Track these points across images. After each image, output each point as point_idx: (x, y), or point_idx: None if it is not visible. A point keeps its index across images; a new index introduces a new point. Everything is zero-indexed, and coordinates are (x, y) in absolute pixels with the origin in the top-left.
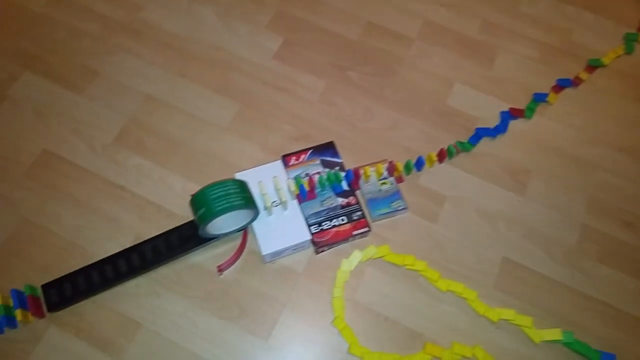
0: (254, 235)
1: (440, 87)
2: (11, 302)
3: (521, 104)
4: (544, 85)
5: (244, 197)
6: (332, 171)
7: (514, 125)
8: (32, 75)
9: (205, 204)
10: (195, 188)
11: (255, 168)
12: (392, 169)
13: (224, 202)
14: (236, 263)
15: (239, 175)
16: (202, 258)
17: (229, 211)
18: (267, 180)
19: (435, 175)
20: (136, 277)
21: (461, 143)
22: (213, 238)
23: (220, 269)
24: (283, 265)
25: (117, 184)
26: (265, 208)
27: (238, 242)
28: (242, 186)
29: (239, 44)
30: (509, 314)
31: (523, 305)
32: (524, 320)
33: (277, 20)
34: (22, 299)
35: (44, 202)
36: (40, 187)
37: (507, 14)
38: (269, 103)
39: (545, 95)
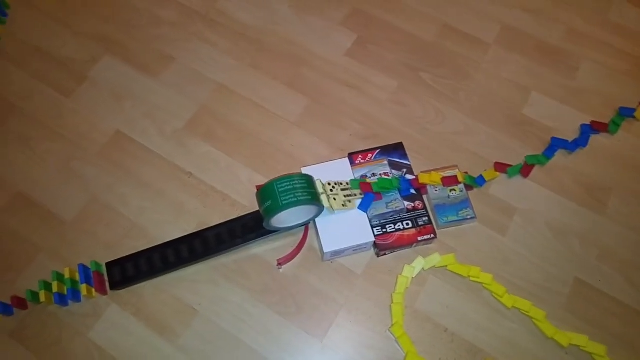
0: (316, 231)
1: (516, 94)
2: (77, 277)
3: (604, 118)
4: (631, 99)
5: (310, 193)
6: (392, 176)
7: (595, 139)
8: (112, 59)
9: (272, 196)
10: (260, 179)
11: (321, 164)
12: (452, 181)
13: (291, 196)
14: (295, 258)
15: (304, 170)
16: (262, 250)
17: (295, 205)
18: (333, 177)
19: (507, 186)
20: (196, 264)
21: (533, 157)
22: (275, 231)
23: (280, 263)
24: (342, 265)
25: (185, 170)
26: (329, 205)
27: (298, 237)
28: (309, 181)
29: (312, 38)
30: (581, 339)
31: (595, 331)
32: (598, 349)
33: (352, 17)
34: (87, 275)
35: (113, 182)
36: (110, 166)
37: (594, 22)
38: (339, 100)
39: (633, 110)
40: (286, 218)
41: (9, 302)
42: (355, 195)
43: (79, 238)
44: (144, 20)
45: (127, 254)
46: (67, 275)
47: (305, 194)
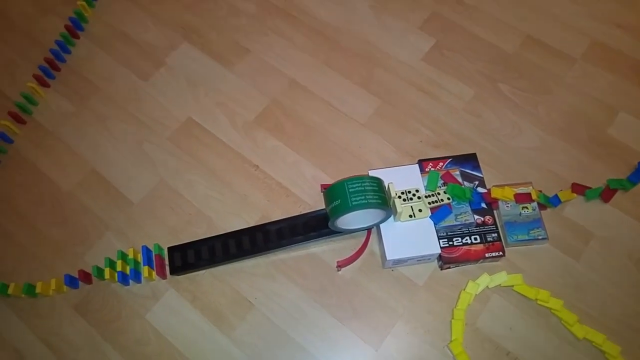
0: (379, 237)
1: (602, 113)
2: (140, 258)
3: None
4: None
5: (380, 197)
6: (464, 186)
7: None
8: (190, 46)
9: (341, 196)
10: (325, 178)
11: (389, 168)
12: (525, 198)
13: (361, 197)
14: (355, 262)
15: (372, 173)
16: (321, 250)
17: (365, 208)
18: (401, 182)
19: (584, 209)
20: (256, 257)
21: (616, 181)
22: (338, 232)
23: (340, 266)
24: (403, 274)
25: (252, 162)
26: (396, 211)
27: (360, 240)
28: (380, 185)
29: (389, 40)
30: None
31: None
32: None
33: (431, 21)
34: (149, 257)
35: (182, 168)
36: (180, 152)
37: None
38: (411, 104)
39: None
40: (352, 220)
41: (76, 275)
42: (438, 201)
43: (145, 219)
44: (223, 11)
45: (189, 240)
46: (130, 256)
47: (376, 197)
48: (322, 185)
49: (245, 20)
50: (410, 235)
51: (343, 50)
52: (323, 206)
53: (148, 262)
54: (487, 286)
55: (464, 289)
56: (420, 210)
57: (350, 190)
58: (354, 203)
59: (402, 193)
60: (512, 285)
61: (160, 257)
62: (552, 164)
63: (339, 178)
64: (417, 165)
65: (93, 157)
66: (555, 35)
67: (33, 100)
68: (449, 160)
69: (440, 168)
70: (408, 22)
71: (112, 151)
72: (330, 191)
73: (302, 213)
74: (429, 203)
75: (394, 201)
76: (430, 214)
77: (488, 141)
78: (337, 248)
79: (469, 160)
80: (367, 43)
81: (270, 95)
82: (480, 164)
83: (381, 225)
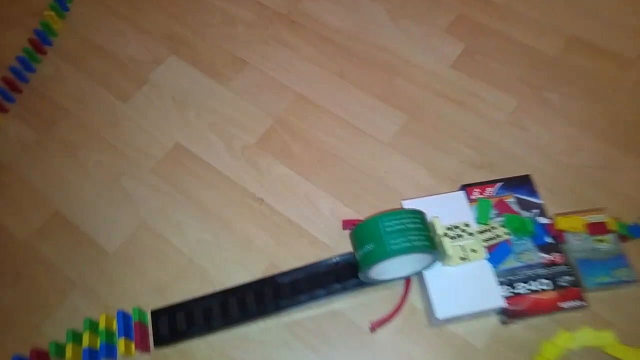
0: (422, 286)
1: None
2: (115, 327)
3: None
4: None
5: (427, 237)
6: (525, 215)
7: None
8: (177, 60)
9: (375, 238)
10: (346, 212)
11: (427, 198)
12: (600, 228)
13: (403, 239)
14: (393, 320)
15: (406, 204)
16: (348, 306)
17: (409, 253)
18: (445, 214)
19: None
20: (265, 320)
21: None
22: (370, 283)
23: (374, 327)
24: (454, 334)
25: (255, 195)
26: (445, 254)
27: (397, 290)
28: (423, 220)
29: (411, 47)
30: None
31: None
32: None
33: (458, 24)
34: (127, 325)
35: (168, 206)
36: (166, 186)
37: None
38: (443, 119)
39: None
40: (389, 268)
41: (27, 356)
42: (494, 237)
43: (122, 274)
44: (216, 19)
45: (178, 300)
46: (102, 325)
47: (421, 237)
48: (344, 222)
49: (242, 29)
50: (464, 284)
51: (358, 60)
52: (346, 247)
53: (125, 332)
54: (568, 348)
55: (539, 354)
56: (474, 251)
57: (387, 229)
58: (393, 247)
59: (449, 229)
60: (602, 346)
61: (141, 325)
62: (623, 185)
63: (363, 211)
64: (462, 192)
65: (58, 196)
66: (604, 34)
67: None
68: (499, 184)
69: (490, 195)
70: (431, 26)
71: (83, 188)
72: (359, 232)
73: (321, 260)
74: (484, 240)
75: (441, 241)
76: (486, 255)
77: (541, 160)
78: (367, 302)
79: (523, 183)
80: (386, 51)
81: (274, 114)
82: (536, 188)
83: (425, 272)
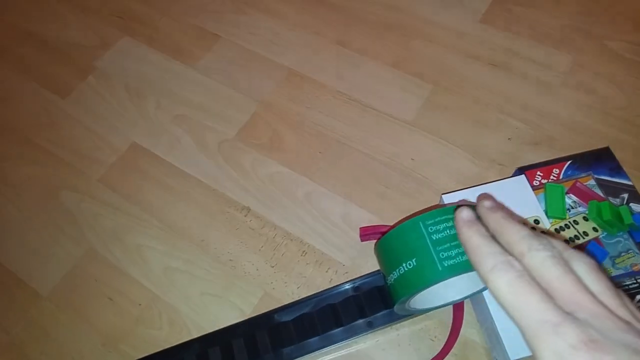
0: (483, 313)
1: None
2: None
3: None
4: None
5: None
6: (616, 204)
7: None
8: (131, 42)
9: (419, 251)
10: (366, 218)
11: (474, 188)
12: None
13: (459, 250)
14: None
15: (448, 199)
16: (374, 345)
17: (465, 271)
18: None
19: None
20: None
21: None
22: (405, 315)
23: None
24: None
25: (240, 204)
26: None
27: (443, 319)
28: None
29: (428, 1)
30: None
31: None
32: None
33: None
34: None
35: (123, 226)
36: (120, 200)
37: None
38: (479, 86)
39: None
40: (436, 292)
41: None
42: (580, 237)
43: (61, 325)
44: None
45: (139, 356)
46: None
47: None
48: (362, 231)
49: None
50: None
51: (362, 22)
52: (368, 266)
53: None
54: None
55: None
56: None
57: (434, 237)
58: (447, 263)
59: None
60: None
61: None
62: None
63: (387, 215)
64: (521, 177)
65: None
66: None
67: None
68: (567, 162)
69: (558, 178)
70: None
71: (9, 214)
72: (389, 243)
73: (334, 286)
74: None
75: None
76: None
77: (617, 127)
78: (401, 339)
79: (600, 160)
80: (396, 9)
81: (258, 96)
82: (621, 165)
83: (486, 295)
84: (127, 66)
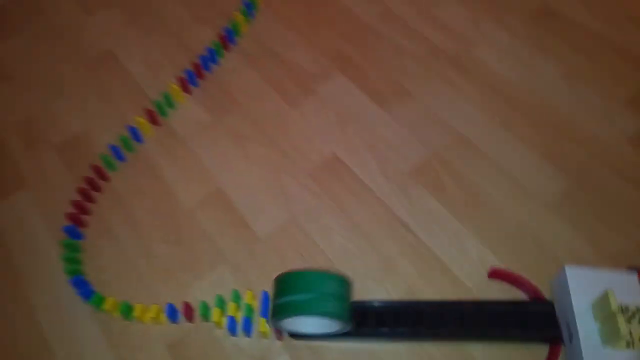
0: None
1: None
2: (257, 307)
3: None
4: None
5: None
6: None
7: None
8: (344, 79)
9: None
10: (495, 263)
11: (595, 270)
12: None
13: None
14: None
15: (570, 271)
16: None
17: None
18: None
19: None
20: (398, 342)
21: None
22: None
23: None
24: None
25: (402, 220)
26: (616, 332)
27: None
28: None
29: (584, 113)
30: None
31: None
32: None
33: (638, 100)
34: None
35: (319, 210)
36: (320, 191)
37: None
38: (616, 196)
39: None
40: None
41: (179, 307)
42: None
43: (269, 260)
44: (384, 45)
45: None
46: (246, 300)
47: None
48: (492, 270)
49: (410, 62)
50: None
51: (524, 114)
52: (487, 295)
53: (266, 313)
54: None
55: None
56: None
57: (326, 291)
58: (325, 309)
59: (622, 309)
60: None
61: None
62: None
63: (515, 267)
64: (634, 275)
65: (222, 175)
66: None
67: (172, 102)
68: None
69: None
70: (609, 97)
71: (244, 174)
72: (298, 277)
73: (471, 300)
74: None
75: (614, 315)
76: None
77: None
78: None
79: None
80: (556, 112)
81: (431, 148)
82: None
83: (584, 351)
84: (339, 97)
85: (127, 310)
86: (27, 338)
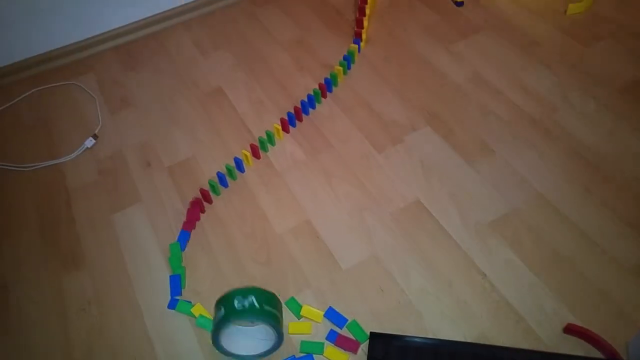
0: None
1: None
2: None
3: None
4: None
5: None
6: None
7: None
8: (431, 132)
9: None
10: (571, 319)
11: None
12: None
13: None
14: None
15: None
16: None
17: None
18: None
19: None
20: None
21: None
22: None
23: None
24: None
25: (480, 269)
26: None
27: None
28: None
29: None
30: None
31: None
32: None
33: None
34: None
35: (399, 250)
36: (401, 232)
37: None
38: None
39: None
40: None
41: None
42: None
43: (348, 290)
44: (471, 105)
45: (392, 330)
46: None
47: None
48: (568, 326)
49: (495, 122)
50: None
51: (607, 181)
52: (561, 349)
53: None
54: None
55: None
56: None
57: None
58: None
59: None
60: None
61: (347, 339)
62: None
63: (591, 325)
64: None
65: (311, 208)
66: None
67: (273, 140)
68: None
69: None
70: None
71: (331, 209)
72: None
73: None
74: None
75: None
76: None
77: None
78: None
79: None
80: (638, 182)
81: (512, 204)
82: None
83: None
84: (425, 147)
85: None
86: (132, 335)
